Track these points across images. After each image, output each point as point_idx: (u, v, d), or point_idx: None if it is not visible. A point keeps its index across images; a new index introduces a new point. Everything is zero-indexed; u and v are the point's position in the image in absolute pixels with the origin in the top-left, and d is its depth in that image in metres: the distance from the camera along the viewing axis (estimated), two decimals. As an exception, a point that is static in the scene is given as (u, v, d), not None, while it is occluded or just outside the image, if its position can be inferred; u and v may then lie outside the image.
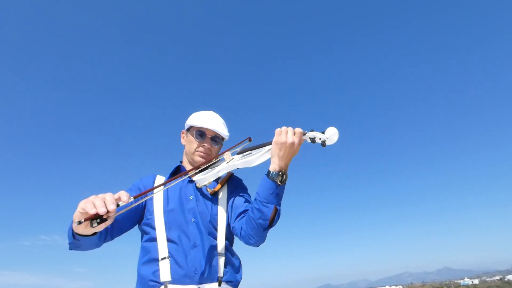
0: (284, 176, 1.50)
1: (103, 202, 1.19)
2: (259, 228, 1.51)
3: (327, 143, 1.47)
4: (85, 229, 1.21)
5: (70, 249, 1.40)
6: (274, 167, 1.49)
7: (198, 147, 1.76)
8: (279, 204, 1.51)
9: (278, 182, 1.48)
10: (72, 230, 1.28)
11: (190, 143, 1.79)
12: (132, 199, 1.22)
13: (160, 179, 1.77)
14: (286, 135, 1.48)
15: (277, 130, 1.51)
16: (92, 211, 1.19)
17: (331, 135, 1.45)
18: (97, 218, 1.18)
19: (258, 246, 1.61)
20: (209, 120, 1.78)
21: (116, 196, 1.20)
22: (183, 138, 1.88)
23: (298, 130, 1.50)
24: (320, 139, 1.48)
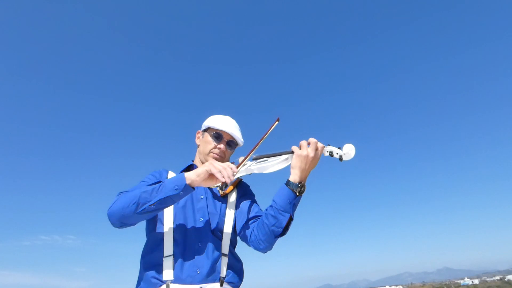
0: (303, 188, 1.55)
1: (228, 174, 1.47)
2: (271, 234, 1.55)
3: (344, 158, 1.54)
4: (205, 183, 1.51)
5: (148, 208, 1.46)
6: (294, 178, 1.54)
7: (213, 148, 1.78)
8: (293, 214, 1.56)
9: (297, 193, 1.53)
10: (185, 182, 1.48)
11: (205, 143, 1.82)
12: (239, 167, 1.54)
13: (172, 174, 1.81)
14: (307, 149, 1.54)
15: (301, 143, 1.56)
16: (222, 180, 1.46)
17: (348, 151, 1.53)
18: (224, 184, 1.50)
19: (265, 252, 1.65)
20: (228, 124, 1.82)
21: (225, 165, 1.50)
22: (198, 138, 1.91)
23: (320, 145, 1.55)
24: (337, 153, 1.55)
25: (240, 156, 1.74)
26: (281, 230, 1.54)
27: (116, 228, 1.55)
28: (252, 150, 1.66)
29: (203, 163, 1.81)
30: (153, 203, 1.44)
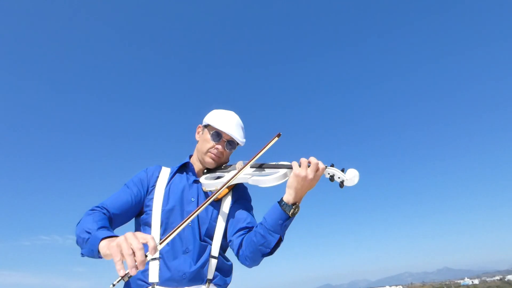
0: (297, 209, 1.44)
1: (134, 260, 1.14)
2: (258, 253, 1.48)
3: (346, 184, 1.38)
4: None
5: (83, 256, 1.36)
6: (288, 198, 1.43)
7: (211, 148, 1.71)
8: (284, 235, 1.46)
9: (290, 214, 1.43)
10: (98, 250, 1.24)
11: (204, 141, 1.73)
12: (159, 246, 1.17)
13: (165, 171, 1.73)
14: (306, 169, 1.40)
15: (301, 160, 1.43)
16: (120, 273, 1.14)
17: (352, 177, 1.37)
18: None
19: (250, 267, 1.59)
20: (229, 123, 1.72)
21: (143, 240, 1.14)
22: (198, 133, 1.82)
23: (322, 166, 1.42)
24: (339, 178, 1.39)
25: (240, 159, 1.66)
26: (269, 250, 1.46)
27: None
28: (248, 163, 1.58)
29: (200, 162, 1.76)
30: (81, 253, 1.35)
